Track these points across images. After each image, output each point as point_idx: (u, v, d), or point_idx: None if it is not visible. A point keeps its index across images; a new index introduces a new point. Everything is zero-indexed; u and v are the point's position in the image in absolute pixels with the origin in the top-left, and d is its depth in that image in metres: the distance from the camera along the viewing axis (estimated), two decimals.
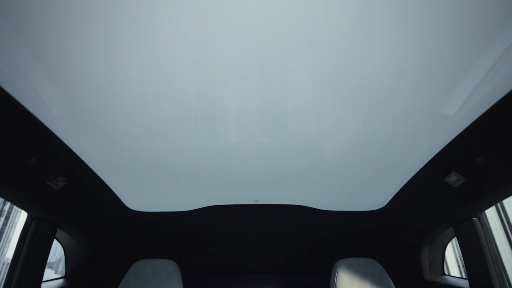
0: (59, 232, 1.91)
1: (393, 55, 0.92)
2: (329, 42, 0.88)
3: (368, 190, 1.80)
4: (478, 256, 1.62)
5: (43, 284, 1.73)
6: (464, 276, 1.89)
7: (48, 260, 1.75)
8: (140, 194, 1.81)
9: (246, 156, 1.46)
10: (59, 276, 2.18)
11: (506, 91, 0.99)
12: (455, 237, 1.87)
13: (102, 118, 1.17)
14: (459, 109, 1.12)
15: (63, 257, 2.20)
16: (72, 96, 1.05)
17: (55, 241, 2.03)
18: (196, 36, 0.86)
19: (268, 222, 2.15)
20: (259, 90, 1.06)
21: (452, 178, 1.46)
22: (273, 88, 1.05)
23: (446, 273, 2.15)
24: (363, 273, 1.84)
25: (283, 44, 0.89)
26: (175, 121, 1.19)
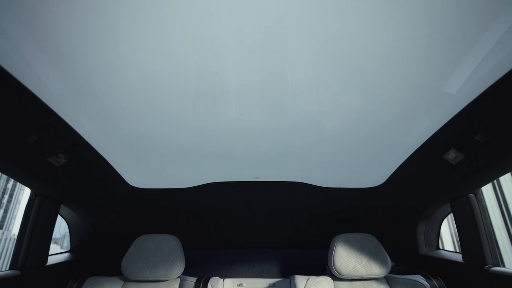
0: (63, 208, 1.95)
1: (395, 32, 0.90)
2: (329, 19, 0.86)
3: (367, 167, 1.81)
4: (473, 231, 1.67)
5: (49, 257, 1.79)
6: (458, 251, 1.95)
7: (53, 236, 1.80)
8: (141, 171, 1.83)
9: (246, 134, 1.46)
10: (64, 250, 2.25)
11: (508, 69, 0.98)
12: (451, 213, 1.91)
13: (100, 95, 1.16)
14: (460, 87, 1.11)
15: (68, 233, 2.26)
16: (69, 73, 1.04)
17: (59, 217, 2.08)
18: (195, 11, 0.83)
19: (268, 199, 2.19)
20: (259, 67, 1.05)
21: (451, 155, 1.47)
22: (273, 65, 1.04)
23: (441, 247, 2.21)
24: (360, 248, 1.89)
25: (284, 20, 0.87)
26: (175, 97, 1.18)
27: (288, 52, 0.99)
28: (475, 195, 1.69)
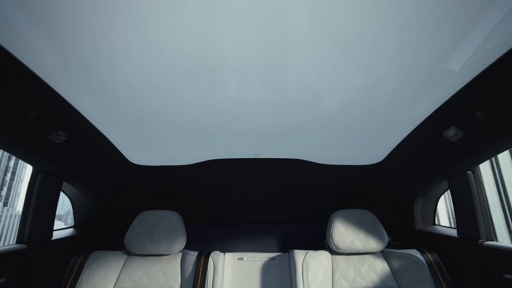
0: (66, 185, 1.98)
1: (397, 8, 0.87)
2: None
3: (367, 144, 1.82)
4: (469, 207, 1.70)
5: (54, 233, 1.84)
6: (453, 227, 1.99)
7: (57, 213, 1.84)
8: (141, 148, 1.84)
9: (245, 111, 1.45)
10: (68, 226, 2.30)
11: (511, 45, 0.96)
12: (448, 190, 1.94)
13: (98, 71, 1.14)
14: (463, 64, 1.09)
15: (71, 210, 2.31)
16: (65, 48, 1.02)
17: (63, 195, 2.11)
18: None
19: (268, 176, 2.21)
20: (259, 43, 1.03)
21: (451, 132, 1.47)
22: (273, 41, 1.02)
23: (437, 223, 2.26)
24: (358, 223, 1.93)
25: None
26: (174, 74, 1.17)
27: (288, 28, 0.96)
28: (473, 172, 1.71)
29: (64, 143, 1.52)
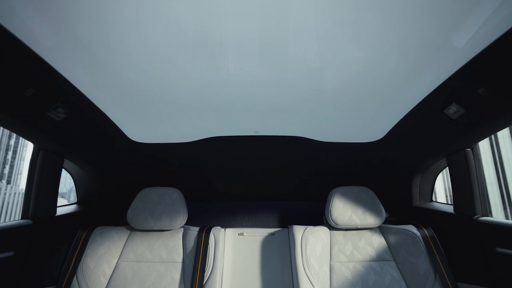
0: (67, 163, 1.99)
1: None
2: None
3: (367, 122, 1.81)
4: (466, 183, 1.72)
5: (58, 209, 1.87)
6: (450, 203, 2.02)
7: (60, 191, 1.86)
8: (141, 126, 1.84)
9: (246, 87, 1.44)
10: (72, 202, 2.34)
11: None
12: (447, 167, 1.96)
13: (95, 47, 1.12)
14: (467, 40, 1.07)
15: (74, 188, 2.33)
16: (61, 24, 0.99)
17: (65, 172, 2.13)
18: None
19: (268, 153, 2.23)
20: (259, 18, 1.00)
21: (452, 109, 1.47)
22: (274, 17, 0.99)
23: (434, 200, 2.30)
24: (357, 200, 1.97)
25: None
26: (173, 50, 1.15)
27: (289, 3, 0.93)
28: (472, 149, 1.72)
29: (63, 120, 1.52)
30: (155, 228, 1.91)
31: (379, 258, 1.84)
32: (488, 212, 1.69)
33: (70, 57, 1.16)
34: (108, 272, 1.79)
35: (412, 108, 1.61)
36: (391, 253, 1.87)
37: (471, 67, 1.19)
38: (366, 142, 2.10)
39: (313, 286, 1.70)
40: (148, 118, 1.75)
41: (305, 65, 1.26)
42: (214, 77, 1.34)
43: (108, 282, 1.75)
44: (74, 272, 1.75)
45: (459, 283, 1.67)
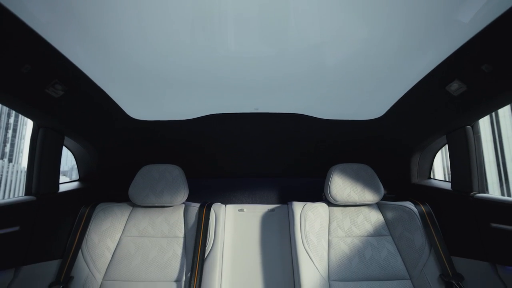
0: (68, 140, 2.00)
1: None
2: None
3: (368, 99, 1.80)
4: (465, 161, 1.73)
5: (60, 186, 1.90)
6: (448, 180, 2.05)
7: (62, 169, 1.88)
8: (140, 103, 1.83)
9: (246, 64, 1.41)
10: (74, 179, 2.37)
11: None
12: (446, 145, 1.96)
13: (91, 23, 1.09)
14: (472, 15, 1.04)
15: (75, 166, 2.35)
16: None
17: (66, 150, 2.14)
18: None
19: (268, 130, 2.22)
20: None
21: (454, 86, 1.45)
22: None
23: (432, 178, 2.32)
24: (356, 177, 1.99)
25: None
26: (171, 26, 1.12)
27: None
28: (472, 127, 1.71)
29: (62, 97, 1.51)
30: (156, 204, 1.95)
31: (376, 233, 1.89)
32: (485, 189, 1.71)
33: (66, 33, 1.14)
34: (112, 247, 1.84)
35: (414, 85, 1.59)
36: (388, 228, 1.91)
37: (476, 42, 1.16)
38: (366, 120, 2.09)
39: (312, 260, 1.75)
40: (147, 95, 1.73)
41: (306, 41, 1.23)
42: (214, 53, 1.31)
43: (113, 256, 1.80)
44: (79, 246, 1.80)
45: (453, 256, 1.72)
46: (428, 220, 1.86)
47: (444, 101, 1.60)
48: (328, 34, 1.18)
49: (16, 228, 1.53)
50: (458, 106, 1.56)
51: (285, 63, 1.41)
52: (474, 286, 1.60)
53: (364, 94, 1.74)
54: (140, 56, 1.32)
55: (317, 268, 1.73)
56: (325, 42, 1.24)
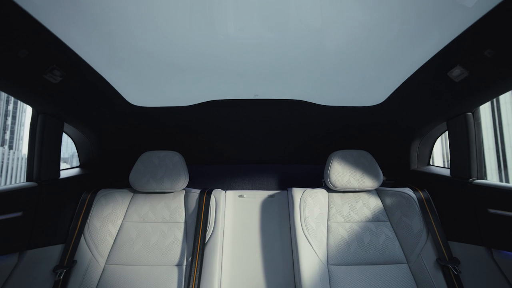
0: (68, 127, 2.00)
1: None
2: None
3: (369, 85, 1.78)
4: (464, 147, 1.73)
5: (61, 172, 1.91)
6: (447, 167, 2.05)
7: (62, 156, 1.88)
8: (139, 89, 1.81)
9: (245, 49, 1.40)
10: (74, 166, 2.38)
11: None
12: (446, 132, 1.96)
13: (89, 7, 1.07)
14: None
15: (76, 153, 2.36)
16: None
17: (66, 137, 2.15)
18: None
19: (268, 116, 2.22)
20: None
21: (456, 72, 1.43)
22: None
23: (431, 164, 2.33)
24: (355, 163, 1.99)
25: None
26: (170, 9, 1.10)
27: None
28: (472, 113, 1.71)
29: (61, 83, 1.50)
30: (157, 190, 1.96)
31: (375, 219, 1.91)
32: (484, 175, 1.72)
33: (63, 17, 1.12)
34: (114, 232, 1.86)
35: (415, 71, 1.57)
36: (387, 214, 1.93)
37: (479, 27, 1.14)
38: (366, 106, 2.08)
39: (311, 245, 1.78)
40: (146, 81, 1.72)
41: (306, 26, 1.22)
42: (213, 38, 1.29)
43: (115, 241, 1.83)
44: (81, 231, 1.82)
45: (450, 241, 1.75)
46: (426, 206, 1.88)
47: (446, 87, 1.58)
48: (329, 18, 1.16)
49: (19, 214, 1.54)
50: (459, 92, 1.55)
51: (285, 48, 1.39)
52: (470, 270, 1.63)
53: (365, 80, 1.72)
54: (139, 41, 1.30)
55: (316, 253, 1.76)
56: (326, 27, 1.22)
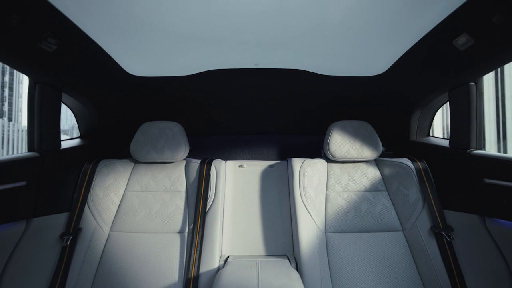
0: (67, 97, 1.98)
1: None
2: None
3: (371, 54, 1.74)
4: (465, 118, 1.73)
5: (62, 143, 1.92)
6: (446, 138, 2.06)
7: (62, 128, 1.88)
8: (137, 59, 1.77)
9: (245, 18, 1.35)
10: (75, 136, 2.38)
11: None
12: (447, 103, 1.94)
13: None
14: None
15: (76, 125, 2.35)
16: None
17: (66, 109, 2.13)
18: None
19: (268, 86, 2.19)
20: None
21: (461, 40, 1.39)
22: None
23: (431, 135, 2.34)
24: (355, 134, 2.00)
25: None
26: None
27: None
28: (475, 83, 1.68)
29: (56, 51, 1.46)
30: (158, 161, 1.98)
31: (373, 189, 1.94)
32: (482, 146, 1.73)
33: None
34: (117, 201, 1.90)
35: (419, 39, 1.53)
36: (385, 184, 1.97)
37: None
38: (368, 76, 2.05)
39: (309, 213, 1.83)
40: (144, 51, 1.68)
41: None
42: (213, 5, 1.25)
43: (118, 210, 1.88)
44: (85, 200, 1.87)
45: (444, 210, 1.80)
46: (424, 176, 1.90)
47: (450, 56, 1.55)
48: None
49: (23, 183, 1.57)
50: (463, 61, 1.52)
51: (286, 16, 1.34)
52: (463, 237, 1.69)
53: (367, 50, 1.68)
54: (136, 8, 1.25)
55: (314, 221, 1.81)
56: None
